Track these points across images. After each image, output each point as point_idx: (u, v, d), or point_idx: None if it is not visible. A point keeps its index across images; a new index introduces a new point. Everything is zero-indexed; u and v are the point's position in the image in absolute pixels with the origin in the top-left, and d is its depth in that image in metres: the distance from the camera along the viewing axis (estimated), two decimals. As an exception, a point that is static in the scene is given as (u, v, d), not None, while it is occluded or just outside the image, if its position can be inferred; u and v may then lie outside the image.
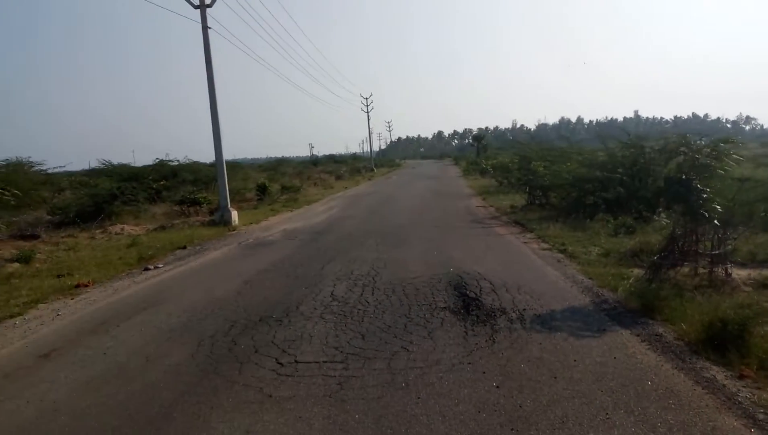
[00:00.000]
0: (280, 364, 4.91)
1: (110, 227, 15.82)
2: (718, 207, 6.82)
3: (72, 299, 8.12)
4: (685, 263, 7.04)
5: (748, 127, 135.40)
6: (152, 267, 10.21)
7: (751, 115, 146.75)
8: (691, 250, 6.94)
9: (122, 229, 15.57)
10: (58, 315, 7.25)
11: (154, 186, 21.63)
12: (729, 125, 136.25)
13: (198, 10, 16.11)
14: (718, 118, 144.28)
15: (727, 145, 7.48)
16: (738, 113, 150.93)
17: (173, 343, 5.73)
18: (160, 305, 7.33)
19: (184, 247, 12.29)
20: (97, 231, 15.47)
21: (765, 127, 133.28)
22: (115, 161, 25.58)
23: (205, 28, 16.11)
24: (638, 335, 5.27)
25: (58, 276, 9.56)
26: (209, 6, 16.18)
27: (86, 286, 8.86)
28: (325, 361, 4.90)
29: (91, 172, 27.46)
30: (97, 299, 8.02)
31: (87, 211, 17.28)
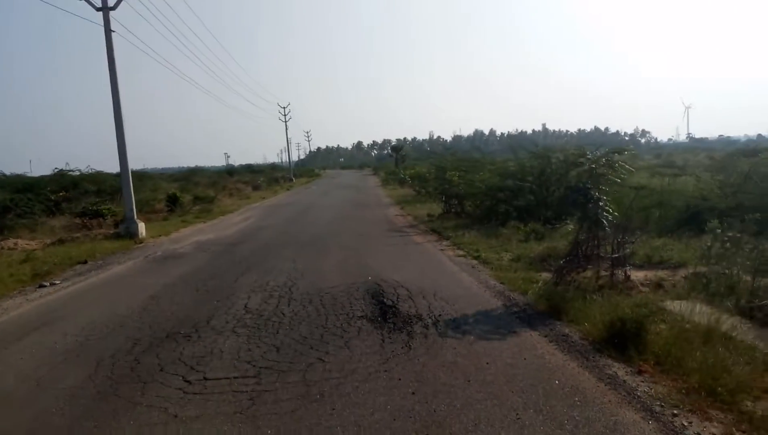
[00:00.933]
0: (188, 381, 4.65)
1: (2, 242, 14.51)
2: (613, 213, 7.25)
3: (-48, 321, 7.33)
4: (589, 266, 7.42)
5: (643, 140, 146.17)
6: (48, 283, 9.44)
7: (646, 129, 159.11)
8: (594, 254, 7.33)
9: (16, 244, 14.32)
10: (-65, 339, 6.51)
11: (53, 197, 20.15)
12: (627, 138, 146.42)
13: (100, 13, 15.23)
14: (617, 131, 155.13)
15: (621, 155, 7.98)
16: (635, 127, 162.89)
17: (69, 364, 5.29)
18: (55, 324, 6.76)
19: (85, 262, 11.47)
20: (-14, 246, 14.14)
21: (659, 139, 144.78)
22: (8, 171, 23.67)
23: (108, 31, 15.23)
24: (546, 336, 5.48)
25: (-63, 296, 8.61)
26: (113, 9, 15.33)
27: (-30, 306, 8.04)
28: (236, 377, 4.70)
29: (-20, 184, 25.18)
30: (-18, 320, 7.29)
31: (-25, 224, 15.83)
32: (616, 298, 6.29)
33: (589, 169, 7.36)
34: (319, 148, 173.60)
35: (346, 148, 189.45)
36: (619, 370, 4.59)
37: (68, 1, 16.77)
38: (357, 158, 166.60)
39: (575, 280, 7.11)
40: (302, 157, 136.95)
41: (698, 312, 5.67)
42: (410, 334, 5.65)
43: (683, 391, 4.09)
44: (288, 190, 43.49)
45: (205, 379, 4.70)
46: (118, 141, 15.63)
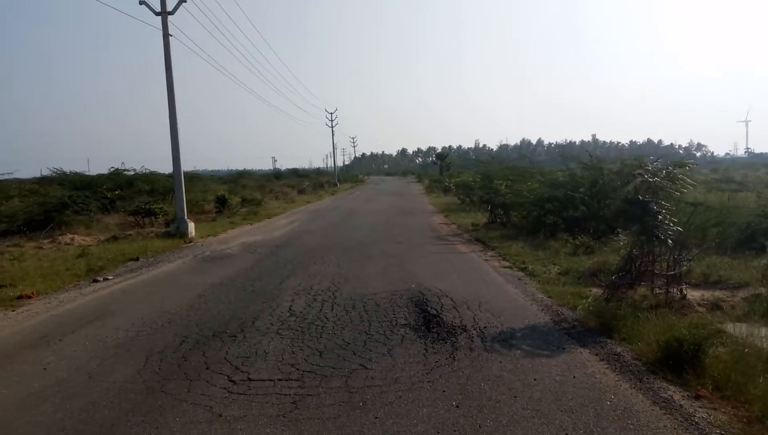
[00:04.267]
0: (233, 381, 4.69)
1: (60, 237, 15.15)
2: (673, 229, 6.95)
3: (13, 311, 7.65)
4: (642, 283, 7.15)
5: (699, 154, 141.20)
6: (101, 279, 9.77)
7: (702, 142, 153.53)
8: (648, 270, 7.04)
9: (72, 240, 14.93)
10: (-4, 328, 6.81)
11: (108, 195, 20.90)
12: (681, 151, 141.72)
13: (159, 17, 15.76)
14: (671, 144, 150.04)
15: (682, 168, 7.65)
16: (689, 140, 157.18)
17: (119, 358, 5.43)
18: (107, 318, 6.97)
19: (137, 259, 11.83)
20: (46, 241, 14.80)
21: (715, 154, 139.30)
22: (68, 169, 24.69)
23: (166, 35, 15.76)
24: (597, 354, 5.27)
25: (0, 286, 9.04)
26: (171, 13, 15.86)
27: (29, 297, 8.39)
28: (279, 379, 4.71)
29: (43, 180, 26.36)
30: (40, 311, 7.59)
31: (36, 219, 16.58)
32: (671, 317, 6.01)
33: (648, 182, 7.07)
34: (363, 154, 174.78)
35: (391, 155, 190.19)
36: (675, 393, 4.37)
37: (127, 4, 17.35)
38: (401, 165, 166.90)
39: (628, 297, 6.86)
40: (347, 162, 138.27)
41: (759, 336, 5.36)
42: (454, 345, 5.54)
43: (745, 419, 3.85)
44: (332, 194, 43.88)
45: (250, 379, 4.72)
46: (172, 143, 16.11)
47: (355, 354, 5.32)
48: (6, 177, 21.17)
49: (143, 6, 15.46)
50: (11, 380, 4.94)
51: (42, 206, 17.35)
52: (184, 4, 16.10)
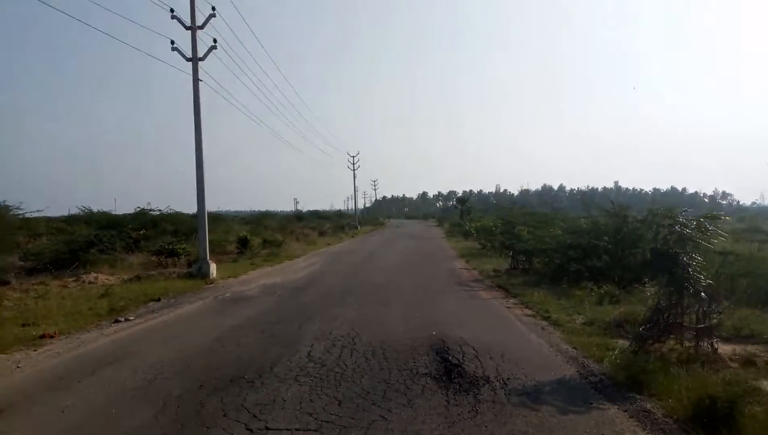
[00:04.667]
0: (250, 430, 4.60)
1: (84, 275, 15.36)
2: (706, 280, 6.77)
3: (35, 350, 7.70)
4: (671, 336, 6.92)
5: (724, 202, 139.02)
6: (123, 319, 9.82)
7: (727, 191, 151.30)
8: (677, 322, 6.83)
9: (96, 278, 15.13)
10: (18, 367, 6.85)
11: (133, 235, 21.24)
12: (706, 199, 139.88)
13: (189, 63, 16.33)
14: (696, 192, 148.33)
15: (714, 220, 7.54)
16: (714, 188, 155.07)
17: (137, 402, 5.39)
18: (127, 360, 6.96)
19: (158, 299, 11.90)
20: (70, 279, 15.00)
21: (740, 202, 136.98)
22: (96, 208, 25.26)
23: (196, 80, 16.29)
24: (626, 411, 5.07)
25: (23, 325, 9.14)
26: (201, 59, 16.43)
27: (52, 336, 8.45)
28: (297, 429, 4.61)
29: (71, 219, 27.01)
30: (62, 351, 7.62)
31: (62, 257, 16.87)
32: (702, 372, 5.78)
33: (679, 232, 6.95)
34: (384, 197, 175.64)
35: (411, 198, 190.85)
36: (710, 455, 4.16)
37: (159, 50, 17.86)
38: (421, 208, 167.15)
39: (656, 350, 6.64)
40: (368, 205, 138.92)
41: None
42: (477, 397, 5.38)
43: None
44: (353, 237, 44.01)
45: (267, 428, 4.63)
46: (197, 185, 16.42)
47: (374, 404, 5.20)
48: (36, 215, 21.75)
49: (175, 51, 16.07)
50: (29, 423, 4.93)
51: (68, 245, 17.69)
52: (214, 51, 16.69)
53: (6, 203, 18.00)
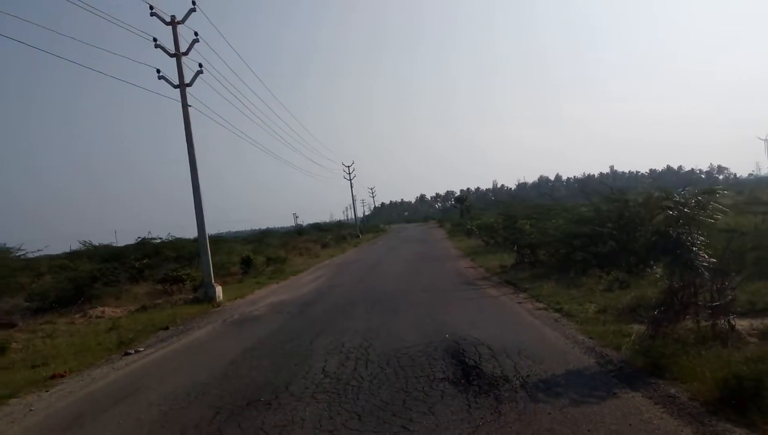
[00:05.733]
0: (271, 454, 4.51)
1: (90, 310, 15.28)
2: (709, 258, 6.69)
3: (46, 392, 7.60)
4: (686, 316, 6.83)
5: (721, 176, 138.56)
6: (133, 351, 9.72)
7: (723, 165, 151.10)
8: (691, 302, 6.74)
9: (103, 312, 15.04)
10: (31, 410, 6.74)
11: (137, 265, 21.21)
12: (703, 175, 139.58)
13: (177, 90, 16.30)
14: (692, 169, 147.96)
15: (711, 195, 7.44)
16: (710, 163, 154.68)
17: (154, 436, 5.30)
18: (140, 394, 6.86)
19: (167, 328, 11.80)
20: (77, 315, 14.91)
21: (738, 175, 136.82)
22: (97, 242, 25.22)
23: (185, 105, 16.25)
24: (650, 398, 4.98)
25: (33, 367, 9.05)
26: (189, 85, 16.38)
27: (62, 376, 8.36)
28: (319, 448, 4.52)
29: (72, 255, 26.98)
30: (74, 390, 7.53)
31: (66, 295, 16.79)
32: (723, 351, 5.70)
33: (678, 212, 6.88)
34: (383, 203, 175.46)
35: (410, 202, 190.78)
36: (742, 435, 4.07)
37: (147, 80, 17.78)
38: (421, 211, 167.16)
39: (673, 332, 6.54)
40: (367, 212, 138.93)
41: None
42: (498, 398, 5.29)
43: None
44: (355, 246, 43.91)
45: (288, 450, 4.54)
46: (196, 210, 16.35)
47: (395, 415, 5.11)
48: (37, 254, 21.69)
49: (162, 80, 16.05)
50: (47, 467, 4.83)
51: (72, 281, 17.65)
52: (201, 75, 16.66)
53: (7, 246, 17.98)
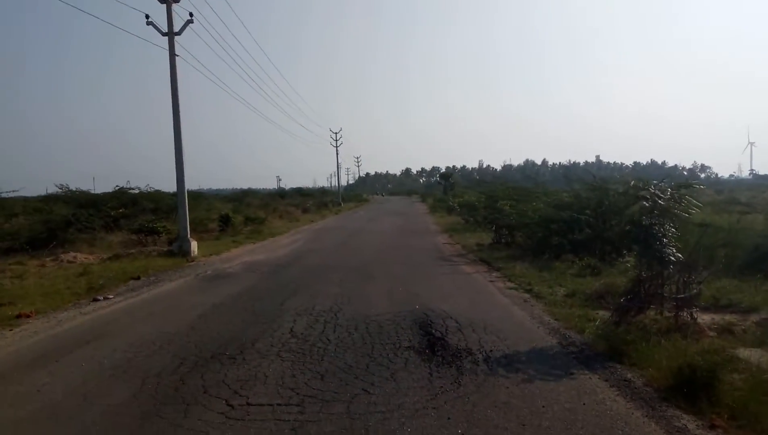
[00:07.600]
0: (231, 406, 4.55)
1: (62, 255, 15.06)
2: (678, 253, 6.80)
3: (10, 330, 7.54)
4: (651, 306, 6.98)
5: (703, 175, 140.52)
6: (102, 298, 9.66)
7: (706, 164, 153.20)
8: (657, 293, 6.89)
9: (75, 258, 14.85)
10: (-7, 348, 6.69)
11: (113, 214, 20.84)
12: (686, 172, 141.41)
13: (166, 38, 15.87)
14: (676, 165, 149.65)
15: (687, 189, 7.52)
16: (693, 161, 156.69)
17: (115, 380, 5.30)
18: (106, 339, 6.85)
19: (138, 278, 11.72)
20: (48, 259, 14.71)
21: (719, 175, 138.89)
22: (74, 187, 24.70)
23: (172, 55, 15.86)
24: (607, 380, 5.11)
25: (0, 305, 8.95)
26: (177, 34, 15.96)
27: (28, 316, 8.28)
28: (279, 404, 4.57)
29: (48, 198, 26.39)
30: (39, 331, 7.48)
31: (39, 237, 16.52)
32: (682, 342, 5.84)
33: (653, 203, 6.95)
34: (368, 174, 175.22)
35: (395, 175, 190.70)
36: (690, 422, 4.20)
37: (134, 23, 17.33)
38: (405, 185, 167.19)
39: (637, 321, 6.69)
40: (351, 181, 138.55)
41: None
42: (460, 369, 5.39)
43: (764, 451, 3.68)
44: (336, 214, 43.85)
45: (248, 404, 4.58)
46: (176, 163, 16.12)
47: (357, 378, 5.18)
48: (11, 195, 21.24)
49: (150, 26, 15.60)
50: (4, 402, 4.81)
51: (46, 224, 17.33)
52: (190, 25, 16.22)
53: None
